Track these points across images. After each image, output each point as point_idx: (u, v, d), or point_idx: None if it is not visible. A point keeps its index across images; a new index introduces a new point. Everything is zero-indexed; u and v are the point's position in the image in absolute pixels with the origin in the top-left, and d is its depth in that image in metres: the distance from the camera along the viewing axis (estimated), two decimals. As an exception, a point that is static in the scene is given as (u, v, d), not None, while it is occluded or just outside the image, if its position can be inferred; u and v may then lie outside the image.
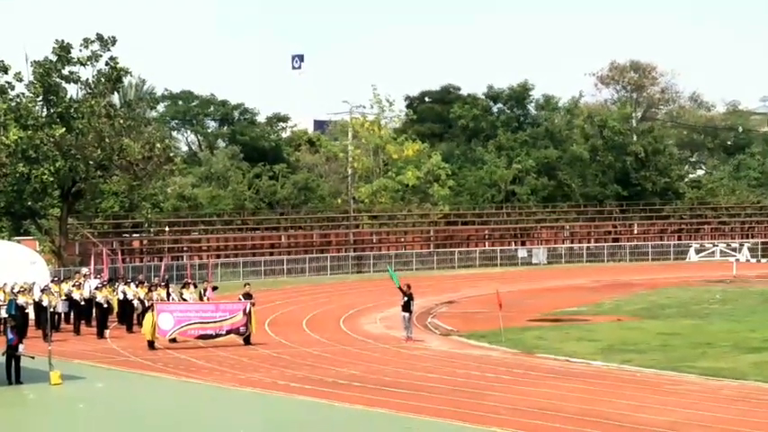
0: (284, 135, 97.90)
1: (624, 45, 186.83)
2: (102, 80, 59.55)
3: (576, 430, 21.04)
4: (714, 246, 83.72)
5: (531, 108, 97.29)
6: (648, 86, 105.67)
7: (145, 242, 71.51)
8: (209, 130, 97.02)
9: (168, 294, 39.80)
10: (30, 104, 57.60)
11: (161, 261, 60.73)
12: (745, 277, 63.75)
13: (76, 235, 65.64)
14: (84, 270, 50.20)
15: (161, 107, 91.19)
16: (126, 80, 67.82)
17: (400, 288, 37.89)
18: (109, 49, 59.04)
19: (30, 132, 55.70)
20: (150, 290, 40.02)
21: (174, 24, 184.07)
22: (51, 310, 37.48)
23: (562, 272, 72.33)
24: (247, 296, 37.26)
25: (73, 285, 41.51)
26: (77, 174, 58.59)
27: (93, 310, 40.44)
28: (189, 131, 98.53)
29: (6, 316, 34.00)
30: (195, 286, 42.35)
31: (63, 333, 39.20)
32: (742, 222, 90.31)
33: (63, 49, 58.33)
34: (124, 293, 41.11)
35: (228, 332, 35.59)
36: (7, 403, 25.93)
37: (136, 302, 40.84)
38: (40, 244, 61.88)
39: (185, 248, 71.32)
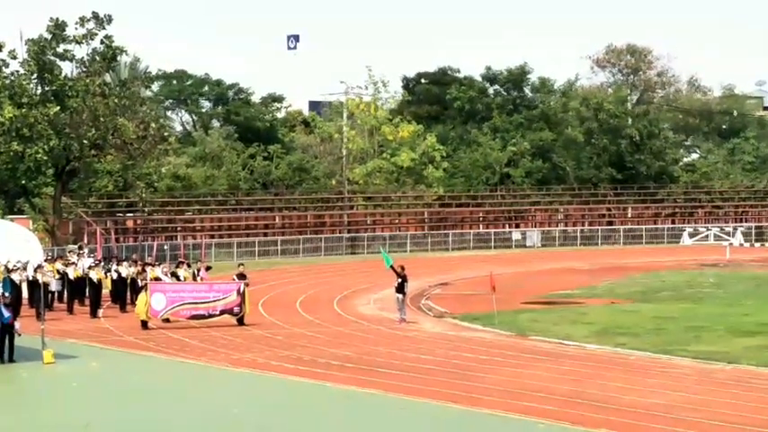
0: (279, 115, 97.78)
1: (621, 29, 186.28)
2: (97, 59, 59.41)
3: (568, 412, 21.06)
4: (708, 229, 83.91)
5: (528, 91, 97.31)
6: (645, 70, 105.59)
7: (139, 221, 71.43)
8: (204, 110, 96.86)
9: (175, 274, 39.77)
10: (24, 82, 57.44)
11: (154, 241, 60.75)
12: (739, 261, 63.87)
13: (70, 214, 65.55)
14: (71, 247, 50.15)
15: (155, 87, 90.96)
16: (121, 59, 67.73)
17: (393, 269, 37.86)
18: (104, 28, 58.95)
19: (24, 110, 55.58)
20: (143, 269, 39.97)
21: (167, 3, 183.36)
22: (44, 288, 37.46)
23: (556, 254, 72.38)
24: (241, 276, 37.23)
25: (64, 264, 41.42)
26: (71, 152, 58.49)
27: (87, 289, 40.41)
28: (183, 111, 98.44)
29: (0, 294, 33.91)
30: (189, 266, 42.31)
31: (56, 312, 39.16)
32: (736, 206, 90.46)
33: (58, 27, 58.19)
34: (118, 273, 41.07)
35: (222, 312, 35.56)
36: (0, 382, 25.92)
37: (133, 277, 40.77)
38: (33, 222, 61.80)
39: (179, 228, 71.27)
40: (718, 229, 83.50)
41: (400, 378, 25.14)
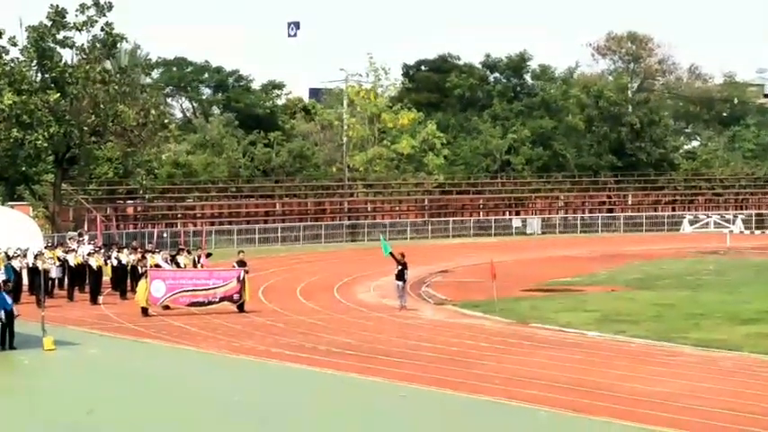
0: (279, 102, 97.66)
1: (622, 16, 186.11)
2: (98, 46, 59.33)
3: (569, 400, 21.05)
4: (708, 217, 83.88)
5: (528, 78, 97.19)
6: (645, 57, 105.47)
7: (139, 208, 71.42)
8: (204, 97, 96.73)
9: (175, 260, 39.79)
10: (24, 69, 57.36)
11: (154, 228, 60.75)
12: (739, 249, 63.87)
13: (70, 201, 65.54)
14: (72, 234, 50.12)
15: (155, 74, 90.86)
16: (121, 46, 67.66)
17: (393, 256, 37.88)
18: (104, 15, 58.85)
19: (24, 97, 55.52)
20: (144, 256, 39.96)
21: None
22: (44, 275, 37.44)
23: (556, 242, 72.39)
24: (241, 263, 37.23)
25: (64, 251, 41.40)
26: (72, 139, 58.44)
27: (87, 276, 40.39)
28: (183, 98, 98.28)
29: (2, 280, 33.93)
30: (189, 253, 42.30)
31: (57, 299, 39.14)
32: (736, 194, 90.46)
33: (58, 14, 58.10)
34: (118, 260, 41.05)
35: (222, 299, 35.55)
36: (1, 368, 25.93)
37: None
38: (33, 209, 61.80)
39: (180, 215, 71.26)
40: (719, 217, 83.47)
41: (401, 365, 25.13)
